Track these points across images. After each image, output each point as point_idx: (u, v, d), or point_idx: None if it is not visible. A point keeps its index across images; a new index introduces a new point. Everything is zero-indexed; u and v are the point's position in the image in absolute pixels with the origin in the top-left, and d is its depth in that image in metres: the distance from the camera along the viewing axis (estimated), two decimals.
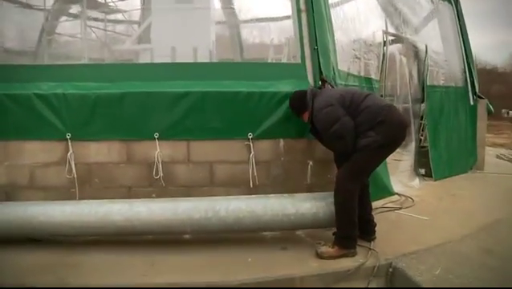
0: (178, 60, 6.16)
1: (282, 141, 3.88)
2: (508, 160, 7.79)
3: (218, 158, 3.81)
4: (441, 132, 5.91)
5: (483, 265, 3.23)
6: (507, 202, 4.93)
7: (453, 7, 6.49)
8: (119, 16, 8.96)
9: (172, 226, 3.44)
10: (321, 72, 3.98)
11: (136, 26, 9.60)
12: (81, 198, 3.76)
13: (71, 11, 8.55)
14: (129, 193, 3.83)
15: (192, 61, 6.14)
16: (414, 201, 4.80)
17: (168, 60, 6.12)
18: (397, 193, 5.02)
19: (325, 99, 3.39)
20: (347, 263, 3.26)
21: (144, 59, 7.19)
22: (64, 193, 3.81)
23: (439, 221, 4.21)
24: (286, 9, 8.45)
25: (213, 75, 3.94)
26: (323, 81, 3.99)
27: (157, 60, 6.44)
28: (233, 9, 9.67)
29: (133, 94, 3.75)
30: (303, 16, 4.12)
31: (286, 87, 3.89)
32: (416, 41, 5.76)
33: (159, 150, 3.75)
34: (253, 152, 3.79)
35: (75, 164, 3.76)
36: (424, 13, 6.23)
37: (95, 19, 8.34)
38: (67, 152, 3.76)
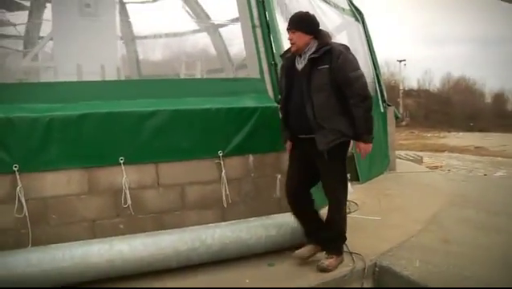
0: (85, 78, 5.77)
1: (251, 157, 3.84)
2: (409, 160, 8.69)
3: (189, 179, 3.63)
4: None
5: (449, 253, 3.62)
6: (432, 197, 5.54)
7: (360, 23, 7.07)
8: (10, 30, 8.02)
9: (157, 261, 3.19)
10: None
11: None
12: (35, 240, 3.26)
13: None
14: (93, 227, 3.42)
15: (99, 79, 5.83)
16: (358, 205, 5.10)
17: (74, 78, 5.70)
18: None
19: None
20: (340, 269, 3.35)
21: (47, 78, 6.57)
22: (13, 235, 3.25)
23: (390, 219, 4.57)
24: (191, 24, 8.46)
25: (174, 92, 3.75)
26: None
27: (62, 79, 5.95)
28: (130, 23, 9.31)
29: (93, 115, 3.38)
30: (258, 31, 4.15)
31: (251, 101, 3.87)
32: None
33: (125, 176, 3.43)
34: (224, 170, 3.69)
35: (26, 201, 3.24)
36: (332, 24, 6.64)
37: None
38: (15, 186, 3.23)
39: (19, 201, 3.23)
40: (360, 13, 7.38)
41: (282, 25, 4.53)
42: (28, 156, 3.26)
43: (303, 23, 3.27)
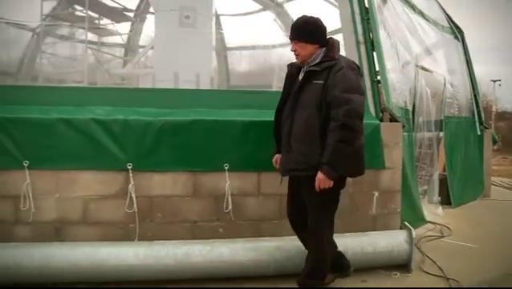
0: (181, 86, 6.05)
1: None
2: (504, 188, 8.19)
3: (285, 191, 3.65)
4: (457, 160, 6.11)
5: None
6: None
7: (459, 41, 6.82)
8: (116, 39, 8.66)
9: (256, 267, 3.26)
10: (381, 103, 4.02)
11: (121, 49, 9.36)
12: (141, 234, 3.47)
13: (61, 32, 8.18)
14: (194, 228, 3.57)
15: (195, 87, 6.07)
16: (451, 230, 4.89)
17: (171, 86, 5.99)
18: (429, 222, 5.10)
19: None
20: None
21: (145, 84, 6.98)
22: (122, 228, 3.49)
23: (488, 248, 4.31)
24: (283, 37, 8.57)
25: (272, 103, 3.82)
26: (383, 112, 4.02)
27: (159, 85, 6.28)
28: (223, 35, 9.65)
29: (203, 122, 3.53)
30: (362, 48, 4.13)
31: None
32: (436, 72, 5.95)
33: (229, 182, 3.54)
34: None
35: (136, 198, 3.46)
36: (429, 41, 6.43)
37: (92, 42, 7.99)
38: (127, 183, 3.46)
39: (130, 197, 3.45)
40: (460, 31, 7.12)
41: (384, 41, 4.51)
42: (140, 156, 3.48)
43: (306, 32, 2.92)
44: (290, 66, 3.12)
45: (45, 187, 3.40)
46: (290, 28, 3.04)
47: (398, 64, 4.91)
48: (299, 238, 3.22)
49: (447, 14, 7.24)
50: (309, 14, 3.04)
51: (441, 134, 6.09)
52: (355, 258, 3.45)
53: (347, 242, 3.48)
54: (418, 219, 4.80)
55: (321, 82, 2.82)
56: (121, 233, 3.48)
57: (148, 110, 3.60)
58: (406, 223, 3.81)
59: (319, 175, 2.79)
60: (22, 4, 7.09)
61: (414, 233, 3.63)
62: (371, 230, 3.79)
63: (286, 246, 3.32)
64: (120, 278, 3.17)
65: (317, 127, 2.80)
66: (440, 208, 5.77)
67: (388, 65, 4.48)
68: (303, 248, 3.28)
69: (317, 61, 2.92)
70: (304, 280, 3.06)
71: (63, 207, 3.44)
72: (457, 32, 7.04)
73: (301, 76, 2.97)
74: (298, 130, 2.86)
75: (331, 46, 2.94)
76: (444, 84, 5.95)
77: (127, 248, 3.22)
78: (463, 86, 6.69)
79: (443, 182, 6.03)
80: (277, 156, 3.19)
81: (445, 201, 6.02)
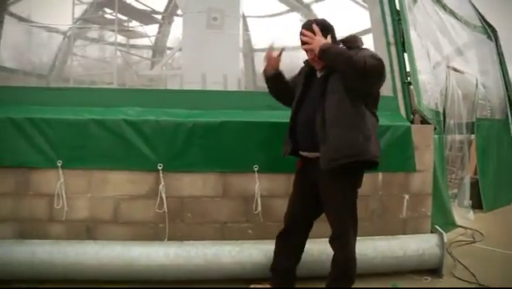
0: (208, 87, 6.07)
1: (380, 175, 3.75)
2: None
3: None
4: (489, 163, 5.96)
5: None
6: None
7: (492, 41, 6.66)
8: (144, 41, 8.79)
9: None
10: (411, 105, 3.96)
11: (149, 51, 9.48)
12: (171, 234, 3.50)
13: (91, 35, 8.34)
14: (223, 229, 3.58)
15: (222, 89, 6.08)
16: (483, 235, 4.77)
17: (198, 88, 6.02)
18: (460, 226, 4.99)
19: None
20: None
21: (173, 85, 7.04)
22: (152, 228, 3.53)
23: None
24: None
25: None
26: (414, 114, 3.95)
27: (187, 87, 6.32)
28: (250, 36, 9.67)
29: (233, 123, 3.54)
30: (392, 49, 4.07)
31: (383, 119, 3.78)
32: (468, 73, 5.83)
33: (258, 183, 3.54)
34: None
35: (167, 198, 3.49)
36: (461, 40, 6.28)
37: (121, 44, 8.12)
38: (158, 183, 3.49)
39: (161, 197, 3.48)
40: (494, 30, 6.95)
41: (415, 41, 4.44)
42: (171, 156, 3.51)
43: (325, 32, 2.77)
44: (306, 63, 3.02)
45: (77, 186, 3.47)
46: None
47: (429, 65, 4.83)
48: (281, 248, 3.05)
49: (479, 13, 7.07)
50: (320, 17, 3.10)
51: (473, 136, 5.95)
52: (384, 262, 3.44)
53: (377, 246, 3.46)
54: (448, 223, 4.70)
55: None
56: (151, 233, 3.52)
57: (178, 111, 3.63)
58: (437, 227, 3.74)
59: (317, 38, 2.69)
60: (54, 8, 7.25)
61: (446, 237, 3.56)
62: (401, 234, 3.74)
63: (315, 249, 3.27)
64: (151, 277, 3.21)
65: (349, 110, 2.66)
66: (471, 212, 5.63)
67: (419, 66, 4.40)
68: (330, 250, 3.26)
69: None
70: (332, 284, 2.97)
71: (95, 206, 3.50)
72: (489, 31, 6.87)
73: (320, 73, 2.85)
74: (332, 115, 2.66)
75: (351, 38, 2.86)
76: (476, 85, 5.82)
77: (157, 248, 3.26)
78: (496, 87, 6.53)
79: (474, 186, 5.89)
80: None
81: (477, 205, 5.87)
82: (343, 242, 2.84)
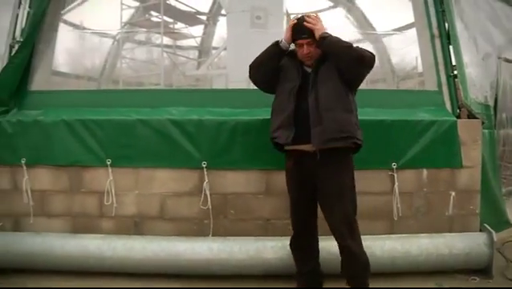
0: (252, 86, 6.11)
1: (425, 171, 3.67)
2: None
3: (362, 189, 3.56)
4: None
5: None
6: None
7: None
8: (190, 42, 8.99)
9: (329, 264, 3.20)
10: (458, 99, 3.84)
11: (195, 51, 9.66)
12: (215, 230, 3.59)
13: (139, 37, 8.62)
14: (266, 225, 3.63)
15: None
16: None
17: (243, 87, 6.06)
18: None
19: None
20: None
21: (219, 84, 7.15)
22: (197, 224, 3.63)
23: None
24: (354, 33, 8.41)
25: None
26: (461, 108, 3.84)
27: (232, 86, 6.40)
28: None
29: None
30: (437, 42, 3.97)
31: (427, 115, 3.72)
32: None
33: None
34: (397, 183, 3.60)
35: (211, 195, 3.58)
36: None
37: (168, 46, 8.34)
38: (202, 181, 3.59)
39: (205, 194, 3.58)
40: None
41: (461, 33, 4.29)
42: (214, 154, 3.60)
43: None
44: (294, 53, 2.94)
45: (126, 184, 3.63)
46: (300, 28, 2.82)
47: (477, 57, 4.66)
48: (300, 255, 3.08)
49: None
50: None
51: None
52: (428, 260, 3.37)
53: (421, 243, 3.40)
54: (501, 222, 4.49)
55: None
56: (196, 228, 3.62)
57: (221, 110, 3.72)
58: (486, 225, 3.61)
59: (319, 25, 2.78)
60: (104, 14, 7.54)
61: (495, 236, 3.43)
62: (447, 232, 3.64)
63: None
64: (195, 271, 3.32)
65: (343, 95, 2.78)
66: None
67: (466, 58, 4.26)
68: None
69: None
70: (355, 281, 2.95)
71: (142, 203, 3.66)
72: None
73: (309, 69, 2.89)
74: (327, 99, 2.74)
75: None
76: None
77: (201, 243, 3.37)
78: None
79: None
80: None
81: None
82: (352, 234, 2.84)
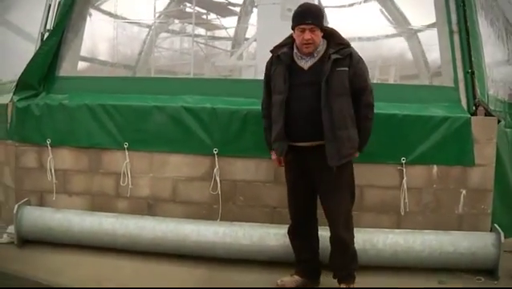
0: None
1: (435, 167, 3.65)
2: None
3: (370, 182, 3.62)
4: None
5: None
6: None
7: None
8: (221, 33, 9.13)
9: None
10: (474, 96, 3.77)
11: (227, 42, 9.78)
12: (223, 215, 3.72)
13: (172, 27, 8.82)
14: (273, 213, 3.72)
15: None
16: None
17: None
18: None
19: None
20: None
21: (248, 75, 7.25)
22: (206, 208, 3.77)
23: None
24: (388, 28, 8.32)
25: None
26: (477, 105, 3.77)
27: (259, 77, 6.47)
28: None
29: None
30: (455, 38, 3.91)
31: (441, 110, 3.69)
32: None
33: None
34: (405, 178, 3.60)
35: (221, 181, 3.71)
36: None
37: (198, 35, 8.51)
38: (213, 167, 3.72)
39: (215, 180, 3.70)
40: None
41: (484, 30, 4.20)
42: (225, 142, 3.72)
43: (321, 19, 2.84)
44: (283, 55, 2.93)
45: (141, 166, 3.83)
46: (300, 12, 2.86)
47: (504, 54, 4.55)
48: (299, 245, 3.15)
49: None
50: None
51: None
52: (432, 256, 3.36)
53: (426, 239, 3.39)
54: None
55: (345, 69, 2.81)
56: (205, 213, 3.77)
57: (234, 99, 3.83)
58: (496, 226, 3.56)
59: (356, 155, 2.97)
60: (140, 4, 7.78)
61: (503, 236, 3.38)
62: (456, 230, 3.59)
63: (361, 238, 3.25)
64: (200, 253, 3.46)
65: (351, 110, 2.85)
66: None
67: (490, 56, 4.19)
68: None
69: (322, 46, 2.87)
70: (352, 279, 2.99)
71: (156, 185, 3.84)
72: None
73: (308, 63, 2.89)
74: (343, 118, 2.79)
75: (335, 32, 2.95)
76: None
77: (208, 226, 3.50)
78: None
79: None
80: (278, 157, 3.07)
81: None
82: (347, 224, 2.95)
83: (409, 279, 3.31)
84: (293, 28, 2.91)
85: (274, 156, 3.10)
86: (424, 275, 3.39)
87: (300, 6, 2.89)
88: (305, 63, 2.90)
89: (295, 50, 2.92)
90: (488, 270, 3.43)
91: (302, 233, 3.12)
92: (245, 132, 3.70)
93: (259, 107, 3.67)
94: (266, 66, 3.12)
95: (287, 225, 3.45)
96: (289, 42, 3.00)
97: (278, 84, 2.92)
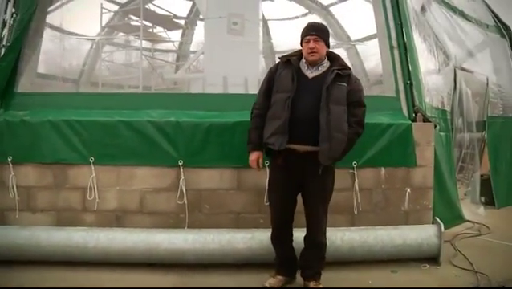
0: (229, 91, 6.39)
1: (383, 169, 4.04)
2: None
3: None
4: (502, 161, 6.12)
5: None
6: None
7: (506, 39, 6.80)
8: (169, 46, 9.22)
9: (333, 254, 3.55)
10: (413, 104, 4.22)
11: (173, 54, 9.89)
12: (190, 224, 3.89)
13: (118, 41, 8.81)
14: (238, 219, 3.94)
15: (243, 91, 6.37)
16: (489, 228, 4.97)
17: (220, 90, 6.35)
18: (469, 220, 5.18)
19: None
20: (463, 284, 3.46)
21: (196, 88, 7.41)
22: (173, 218, 3.92)
23: None
24: None
25: None
26: (416, 112, 4.21)
27: (209, 90, 6.67)
28: (271, 39, 9.97)
29: (245, 123, 3.83)
30: (395, 52, 4.35)
31: (385, 118, 4.09)
32: (478, 73, 6.01)
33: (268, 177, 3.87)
34: (357, 180, 3.95)
35: (186, 191, 3.88)
36: (472, 42, 6.42)
37: (147, 49, 8.56)
38: (179, 178, 3.88)
39: (181, 190, 3.87)
40: (507, 28, 7.06)
41: (419, 45, 4.68)
42: (190, 153, 3.90)
43: (326, 34, 3.25)
44: (293, 60, 3.23)
45: (107, 180, 3.91)
46: (309, 26, 3.26)
47: (435, 67, 5.06)
48: (281, 249, 3.37)
49: (493, 13, 7.20)
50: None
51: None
52: (384, 250, 3.73)
53: (378, 234, 3.75)
54: (455, 217, 4.90)
55: (344, 85, 3.17)
56: (173, 222, 3.92)
57: (197, 112, 4.02)
58: (437, 219, 3.99)
59: None
60: (84, 17, 7.72)
61: (443, 227, 3.81)
62: (403, 225, 4.00)
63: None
64: (172, 260, 3.61)
65: (345, 119, 3.16)
66: (481, 208, 5.80)
67: (424, 68, 4.66)
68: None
69: (326, 64, 3.24)
70: (317, 264, 3.31)
71: (123, 198, 3.94)
72: (503, 30, 7.00)
73: (313, 73, 3.21)
74: (339, 122, 3.09)
75: (339, 57, 3.32)
76: (487, 84, 5.98)
77: (177, 234, 3.66)
78: (509, 85, 6.65)
79: (488, 183, 6.03)
80: (258, 156, 3.35)
81: (491, 202, 6.01)
82: (323, 228, 3.30)
83: (366, 271, 3.65)
84: (301, 43, 3.26)
85: (253, 157, 3.34)
86: (379, 267, 3.76)
87: (306, 24, 3.30)
88: (310, 73, 3.22)
89: (303, 60, 3.25)
90: (432, 258, 3.87)
91: (284, 238, 3.36)
92: (209, 143, 3.91)
93: (221, 120, 3.92)
94: (271, 69, 3.38)
95: (253, 229, 3.71)
96: (297, 53, 3.30)
97: (285, 83, 3.18)
